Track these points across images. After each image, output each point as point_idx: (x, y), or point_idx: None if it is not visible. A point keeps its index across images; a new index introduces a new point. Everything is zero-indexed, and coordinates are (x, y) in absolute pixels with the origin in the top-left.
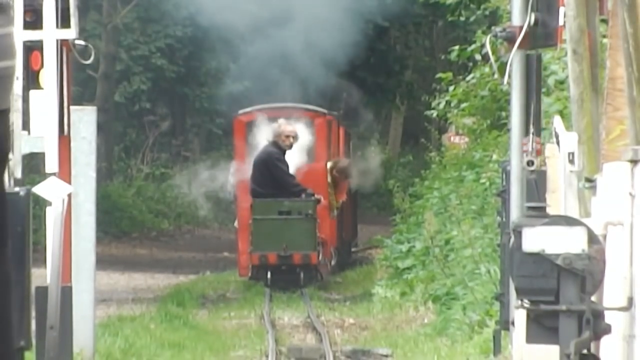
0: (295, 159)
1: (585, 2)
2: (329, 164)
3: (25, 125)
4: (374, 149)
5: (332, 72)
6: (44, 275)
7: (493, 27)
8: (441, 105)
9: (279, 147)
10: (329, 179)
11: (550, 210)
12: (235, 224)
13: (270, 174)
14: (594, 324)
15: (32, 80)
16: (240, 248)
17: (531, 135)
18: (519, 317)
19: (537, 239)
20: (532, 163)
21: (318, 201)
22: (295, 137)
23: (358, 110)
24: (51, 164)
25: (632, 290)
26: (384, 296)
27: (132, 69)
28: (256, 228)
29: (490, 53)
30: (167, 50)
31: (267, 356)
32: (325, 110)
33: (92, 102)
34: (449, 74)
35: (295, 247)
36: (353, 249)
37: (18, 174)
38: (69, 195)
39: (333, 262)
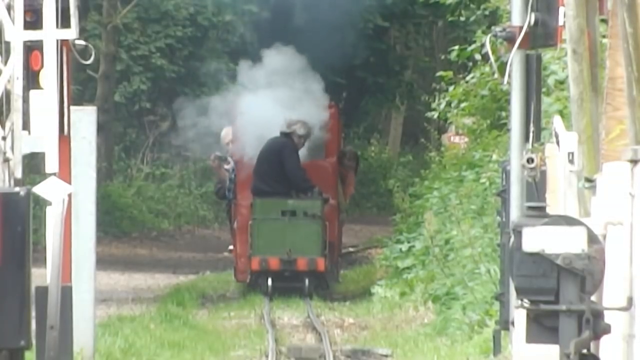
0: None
1: (585, 2)
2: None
3: (25, 125)
4: (374, 148)
5: (331, 72)
6: (44, 275)
7: (493, 27)
8: (442, 106)
9: (292, 140)
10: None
11: (550, 210)
12: (235, 225)
13: (281, 166)
14: (594, 324)
15: (32, 80)
16: (238, 251)
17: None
18: (519, 317)
19: (537, 239)
20: (532, 160)
21: (326, 200)
22: (308, 135)
23: (358, 110)
24: (51, 164)
25: (632, 290)
26: (383, 296)
27: (132, 69)
28: (256, 229)
29: (490, 53)
30: (167, 50)
31: (267, 356)
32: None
33: (92, 102)
34: (449, 73)
35: (300, 251)
36: (352, 249)
37: (18, 174)
38: (69, 195)
39: (340, 270)
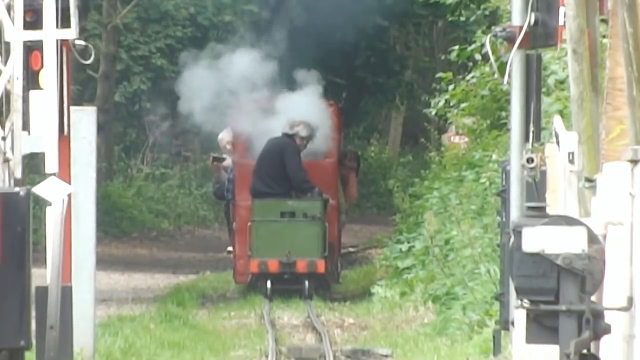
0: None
1: (585, 2)
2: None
3: (25, 125)
4: (374, 148)
5: (331, 72)
6: (44, 275)
7: (493, 27)
8: (440, 104)
9: (294, 141)
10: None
11: (549, 210)
12: (233, 226)
13: (282, 166)
14: (594, 324)
15: (32, 80)
16: (237, 252)
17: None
18: (519, 317)
19: (537, 239)
20: (532, 160)
21: (326, 201)
22: (311, 137)
23: (358, 110)
24: (51, 164)
25: (632, 290)
26: (383, 296)
27: (132, 69)
28: (255, 231)
29: (490, 53)
30: (167, 50)
31: (267, 356)
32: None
33: (92, 102)
34: (449, 74)
35: (300, 253)
36: (352, 249)
37: (18, 174)
38: (69, 195)
39: (341, 271)
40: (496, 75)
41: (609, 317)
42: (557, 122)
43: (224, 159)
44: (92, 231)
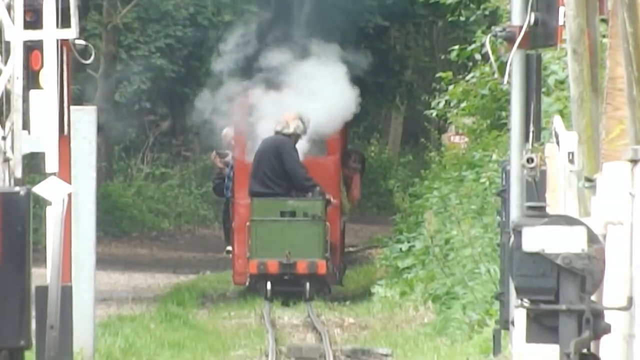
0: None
1: (585, 1)
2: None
3: (25, 125)
4: (374, 148)
5: None
6: (44, 275)
7: (493, 27)
8: (441, 105)
9: (291, 139)
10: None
11: (549, 210)
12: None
13: (281, 166)
14: (594, 324)
15: (32, 80)
16: (235, 252)
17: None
18: (519, 316)
19: (536, 239)
20: (532, 160)
21: (328, 202)
22: (305, 131)
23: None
24: (51, 164)
25: (632, 290)
26: (383, 296)
27: (132, 69)
28: (255, 231)
29: (490, 53)
30: (167, 50)
31: (267, 356)
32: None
33: (92, 102)
34: (449, 74)
35: (301, 254)
36: (352, 249)
37: (18, 174)
38: (69, 195)
39: (344, 274)
40: (496, 75)
41: (609, 317)
42: (557, 122)
43: (227, 155)
44: (92, 231)
